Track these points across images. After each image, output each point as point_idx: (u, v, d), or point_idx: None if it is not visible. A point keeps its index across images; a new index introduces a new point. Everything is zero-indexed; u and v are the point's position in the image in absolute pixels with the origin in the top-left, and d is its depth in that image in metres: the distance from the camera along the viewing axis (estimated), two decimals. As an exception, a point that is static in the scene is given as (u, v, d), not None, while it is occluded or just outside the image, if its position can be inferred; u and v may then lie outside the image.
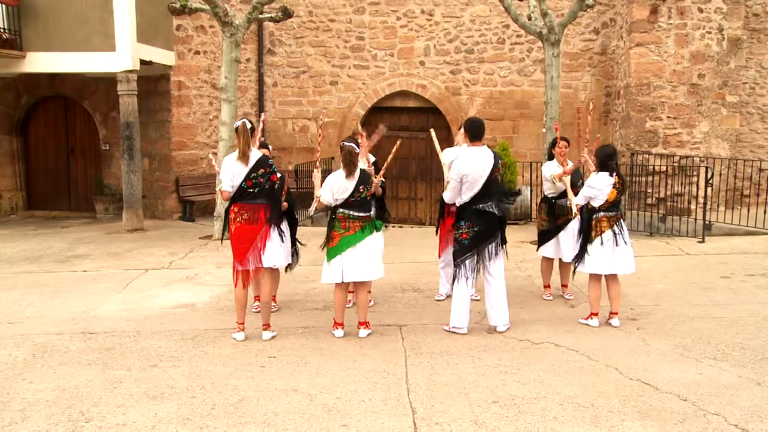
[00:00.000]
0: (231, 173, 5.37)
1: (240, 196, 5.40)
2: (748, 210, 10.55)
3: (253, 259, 5.43)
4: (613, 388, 4.48)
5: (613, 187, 5.73)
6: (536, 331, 5.74)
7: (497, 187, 5.69)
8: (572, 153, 7.05)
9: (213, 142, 12.95)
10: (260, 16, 10.94)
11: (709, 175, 10.07)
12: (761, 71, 12.57)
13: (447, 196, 5.75)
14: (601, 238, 5.73)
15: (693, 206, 10.77)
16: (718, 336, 5.53)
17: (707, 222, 9.91)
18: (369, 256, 5.54)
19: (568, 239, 6.43)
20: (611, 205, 5.76)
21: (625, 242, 5.76)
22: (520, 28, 10.70)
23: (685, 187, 11.16)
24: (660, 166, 11.19)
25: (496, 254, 5.65)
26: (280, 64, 14.12)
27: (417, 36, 13.76)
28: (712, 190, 10.64)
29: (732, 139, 12.15)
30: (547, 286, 6.87)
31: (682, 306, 6.46)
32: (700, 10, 11.51)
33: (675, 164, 11.30)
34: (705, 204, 9.92)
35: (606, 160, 5.74)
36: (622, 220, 5.86)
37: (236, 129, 5.45)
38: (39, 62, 11.20)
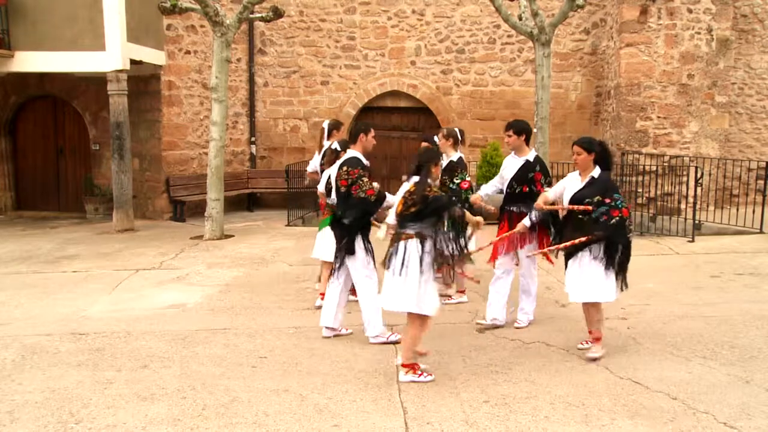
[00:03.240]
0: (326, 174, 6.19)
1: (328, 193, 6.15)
2: (737, 209, 10.62)
3: None
4: (603, 387, 4.50)
5: (402, 196, 4.65)
6: (527, 330, 5.75)
7: (340, 195, 5.38)
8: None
9: (204, 142, 12.91)
10: (251, 15, 10.91)
11: (698, 175, 10.13)
12: (749, 72, 12.66)
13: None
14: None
15: (683, 206, 10.84)
16: (708, 335, 5.56)
17: (697, 221, 9.97)
18: (328, 240, 5.95)
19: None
20: (401, 219, 4.62)
21: (392, 270, 4.53)
22: (510, 28, 10.73)
23: (675, 187, 11.23)
24: (650, 165, 11.25)
25: (341, 262, 5.44)
26: (270, 64, 14.09)
27: (408, 36, 13.76)
28: (701, 189, 10.70)
29: (721, 139, 12.24)
30: None
31: (672, 305, 6.50)
32: (690, 11, 11.58)
33: (665, 164, 11.37)
34: (695, 203, 9.97)
35: (416, 160, 4.75)
36: (405, 242, 4.54)
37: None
38: (28, 61, 11.12)
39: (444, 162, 6.75)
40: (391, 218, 4.78)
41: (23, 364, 5.04)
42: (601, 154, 5.02)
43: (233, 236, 10.56)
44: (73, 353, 5.26)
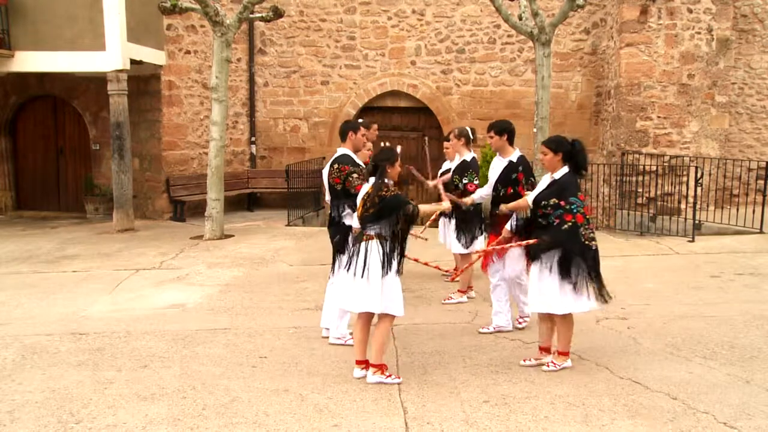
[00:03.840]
0: None
1: None
2: (737, 209, 10.61)
3: None
4: (603, 386, 4.50)
5: (362, 198, 4.82)
6: (527, 330, 5.75)
7: (333, 193, 5.37)
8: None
9: (204, 142, 12.91)
10: (251, 15, 10.91)
11: (698, 175, 10.13)
12: (749, 72, 12.66)
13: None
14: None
15: (683, 206, 10.83)
16: (708, 335, 5.56)
17: (697, 221, 9.97)
18: None
19: None
20: (362, 221, 4.76)
21: (353, 272, 4.57)
22: (511, 28, 10.73)
23: (675, 187, 11.23)
24: (650, 165, 11.24)
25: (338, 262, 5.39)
26: (271, 64, 14.10)
27: (408, 36, 13.77)
28: (701, 189, 10.70)
29: (721, 138, 12.23)
30: None
31: (672, 305, 6.49)
32: (690, 11, 11.57)
33: (665, 164, 11.36)
34: (695, 203, 9.97)
35: (372, 161, 4.92)
36: (367, 243, 4.61)
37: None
38: (28, 61, 11.13)
39: (457, 161, 6.77)
40: (354, 222, 4.83)
41: (23, 363, 5.04)
42: (569, 153, 4.73)
43: (233, 236, 10.57)
44: (73, 353, 5.26)
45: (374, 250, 4.52)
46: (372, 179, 4.65)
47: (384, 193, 4.53)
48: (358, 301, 4.57)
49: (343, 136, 5.51)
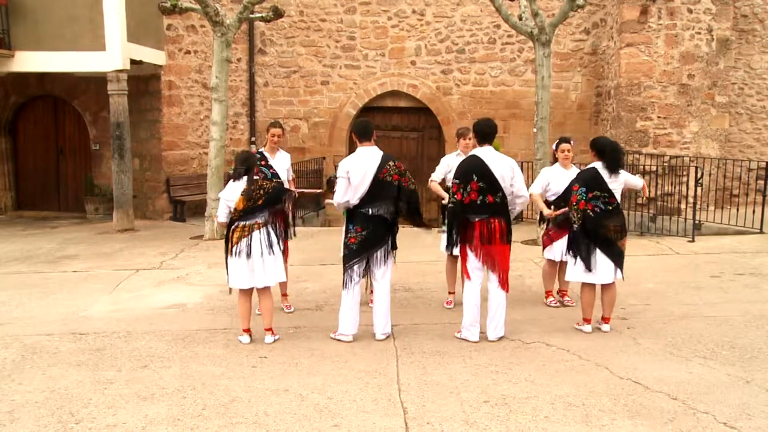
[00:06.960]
0: None
1: None
2: (737, 209, 10.61)
3: None
4: (603, 387, 4.50)
5: (241, 194, 5.30)
6: (527, 330, 5.75)
7: (389, 191, 5.36)
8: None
9: (204, 142, 12.91)
10: (251, 15, 10.91)
11: (698, 175, 10.13)
12: (749, 72, 12.67)
13: (336, 197, 5.46)
14: (233, 250, 5.33)
15: (683, 206, 10.84)
16: (708, 335, 5.56)
17: (697, 221, 9.97)
18: None
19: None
20: (243, 213, 5.30)
21: (264, 253, 5.32)
22: (511, 28, 10.72)
23: (675, 187, 11.23)
24: (650, 165, 11.25)
25: (385, 260, 5.49)
26: (271, 64, 14.09)
27: (408, 36, 13.77)
28: (701, 189, 10.70)
29: (721, 139, 12.24)
30: (548, 292, 6.64)
31: (672, 305, 6.50)
32: (690, 11, 11.58)
33: (665, 164, 11.37)
34: (695, 204, 9.97)
35: (236, 165, 5.46)
36: (264, 229, 5.34)
37: None
38: (28, 61, 11.13)
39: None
40: (222, 216, 5.46)
41: (23, 363, 5.04)
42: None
43: (233, 236, 10.55)
44: (73, 353, 5.26)
45: (270, 232, 5.37)
46: (245, 178, 5.34)
47: (268, 185, 5.42)
48: (267, 277, 5.37)
49: (369, 135, 5.48)
